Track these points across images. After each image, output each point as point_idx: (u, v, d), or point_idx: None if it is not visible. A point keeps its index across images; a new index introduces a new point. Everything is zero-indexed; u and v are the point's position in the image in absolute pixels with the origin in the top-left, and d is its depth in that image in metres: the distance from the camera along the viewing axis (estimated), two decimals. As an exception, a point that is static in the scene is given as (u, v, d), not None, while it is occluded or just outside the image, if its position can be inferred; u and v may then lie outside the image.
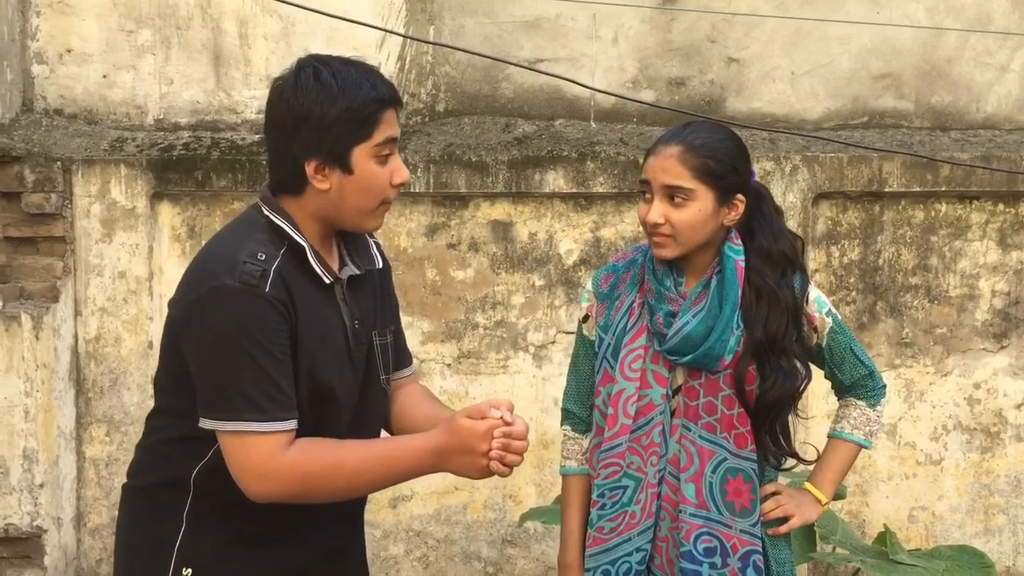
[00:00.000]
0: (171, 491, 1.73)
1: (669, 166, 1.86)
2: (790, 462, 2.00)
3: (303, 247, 1.70)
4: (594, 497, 1.94)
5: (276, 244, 1.69)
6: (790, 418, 1.97)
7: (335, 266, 1.78)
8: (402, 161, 1.76)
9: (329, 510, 1.78)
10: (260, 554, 1.73)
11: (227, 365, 1.62)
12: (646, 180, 1.90)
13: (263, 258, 1.65)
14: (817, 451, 2.10)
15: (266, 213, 1.72)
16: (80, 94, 3.50)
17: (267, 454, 1.62)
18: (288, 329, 1.65)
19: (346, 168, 1.69)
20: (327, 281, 1.73)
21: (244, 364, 1.61)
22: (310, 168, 1.69)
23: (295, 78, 1.69)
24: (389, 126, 1.71)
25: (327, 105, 1.66)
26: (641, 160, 2.00)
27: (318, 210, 1.72)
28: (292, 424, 1.65)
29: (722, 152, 1.89)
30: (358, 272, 1.80)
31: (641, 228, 1.96)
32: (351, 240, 1.83)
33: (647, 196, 1.90)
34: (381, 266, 1.87)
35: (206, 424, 1.65)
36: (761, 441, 1.92)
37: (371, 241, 1.88)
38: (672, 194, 1.86)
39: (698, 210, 1.86)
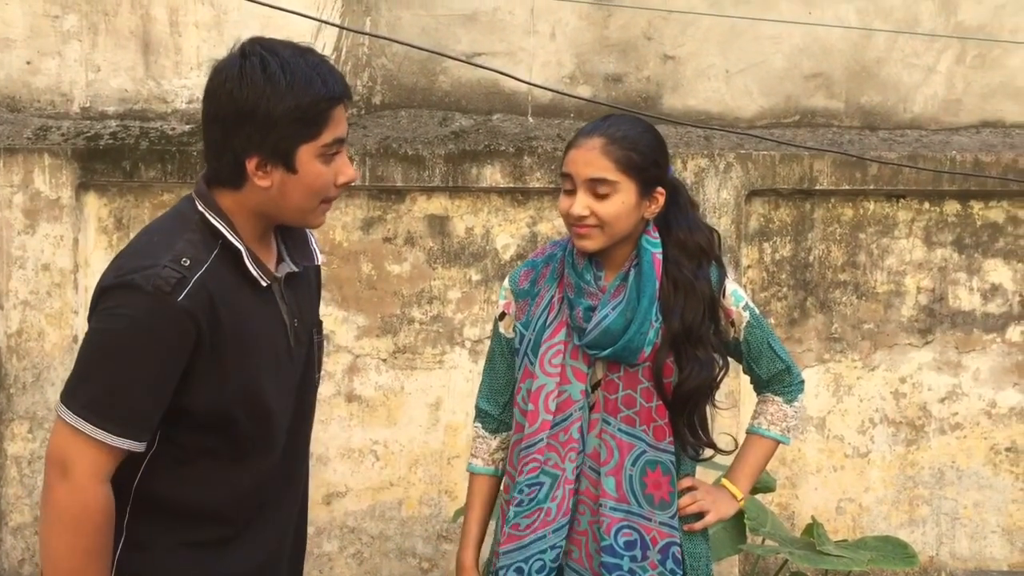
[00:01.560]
0: None
1: (592, 158, 1.86)
2: (708, 452, 2.02)
3: (239, 249, 1.62)
4: (513, 494, 1.93)
5: (208, 246, 1.61)
6: (708, 409, 1.98)
7: (272, 263, 1.71)
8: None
9: (280, 513, 1.75)
10: (207, 560, 1.67)
11: (98, 359, 1.56)
12: (568, 174, 1.89)
13: (187, 264, 1.57)
14: (736, 441, 2.12)
15: (200, 209, 1.63)
16: (2, 80, 3.39)
17: (85, 463, 1.54)
18: (189, 345, 1.57)
19: (289, 167, 1.60)
20: (264, 284, 1.66)
21: (113, 365, 1.55)
22: (251, 164, 1.60)
23: (240, 67, 1.58)
24: (338, 125, 1.62)
25: (274, 101, 1.56)
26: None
27: (257, 206, 1.64)
28: (124, 444, 1.56)
29: (643, 144, 1.89)
30: (296, 270, 1.74)
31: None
32: (289, 233, 1.76)
33: (569, 189, 1.89)
34: (320, 263, 1.82)
35: (59, 404, 1.59)
36: (679, 432, 1.93)
37: (309, 234, 1.82)
38: (596, 187, 1.86)
39: (622, 202, 1.86)
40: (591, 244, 1.89)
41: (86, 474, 1.55)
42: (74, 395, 1.57)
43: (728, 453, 2.06)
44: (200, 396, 1.61)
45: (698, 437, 1.95)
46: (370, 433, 3.46)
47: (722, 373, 1.96)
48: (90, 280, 3.33)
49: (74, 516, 1.55)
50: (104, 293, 1.59)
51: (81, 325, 3.31)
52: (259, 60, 1.58)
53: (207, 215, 1.63)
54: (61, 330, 3.30)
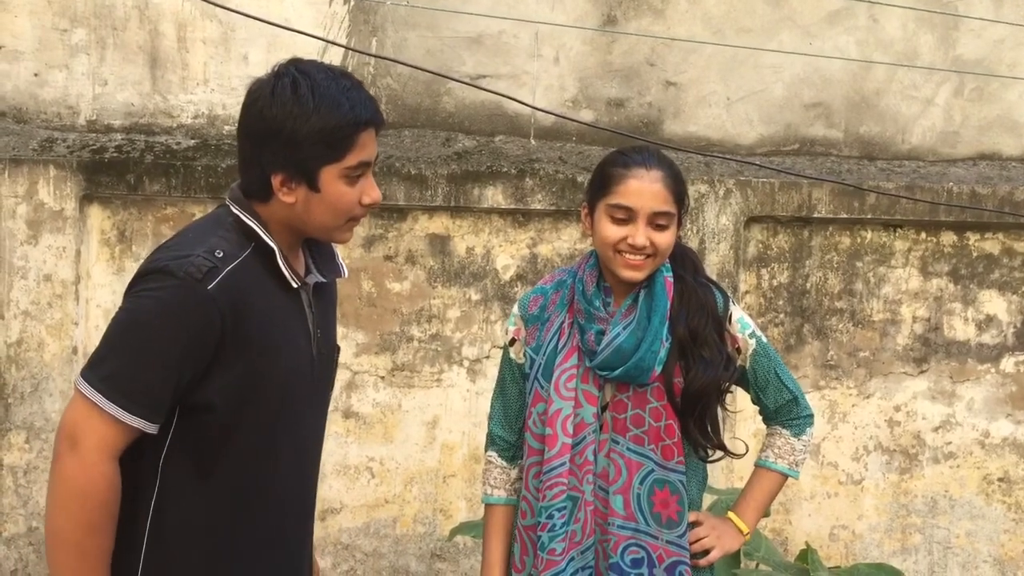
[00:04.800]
0: (123, 550, 1.63)
1: (658, 192, 1.92)
2: (719, 453, 2.04)
3: (272, 249, 1.67)
4: (542, 520, 1.94)
5: (242, 244, 1.65)
6: (720, 413, 2.00)
7: (301, 272, 1.75)
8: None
9: (293, 533, 1.75)
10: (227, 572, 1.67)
11: (122, 336, 1.60)
12: (627, 206, 1.91)
13: (220, 255, 1.61)
14: (746, 445, 2.15)
15: (235, 212, 1.68)
16: (9, 92, 3.41)
17: (95, 437, 1.56)
18: (214, 336, 1.59)
19: (312, 186, 1.65)
20: (294, 285, 1.70)
21: (135, 344, 1.58)
22: (276, 181, 1.65)
23: (272, 87, 1.64)
24: (364, 148, 1.66)
25: (299, 122, 1.61)
26: (588, 179, 2.04)
27: (284, 219, 1.69)
28: (136, 422, 1.57)
29: (682, 178, 1.99)
30: (324, 280, 1.78)
31: (599, 246, 1.96)
32: (316, 247, 1.81)
33: (621, 220, 1.91)
34: (347, 276, 1.86)
35: (78, 378, 1.62)
36: (689, 433, 1.95)
37: (335, 249, 1.85)
38: (658, 219, 1.92)
39: (673, 233, 1.95)
40: (641, 274, 1.93)
41: (95, 448, 1.57)
42: (94, 369, 1.60)
43: (739, 456, 2.07)
44: (221, 391, 1.62)
45: (708, 438, 1.97)
46: (366, 450, 3.47)
47: (729, 376, 1.98)
48: (91, 292, 3.34)
49: (80, 489, 1.57)
50: (137, 279, 1.63)
51: (81, 337, 3.32)
52: (291, 81, 1.63)
53: (242, 216, 1.68)
54: (61, 341, 3.30)
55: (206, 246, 1.62)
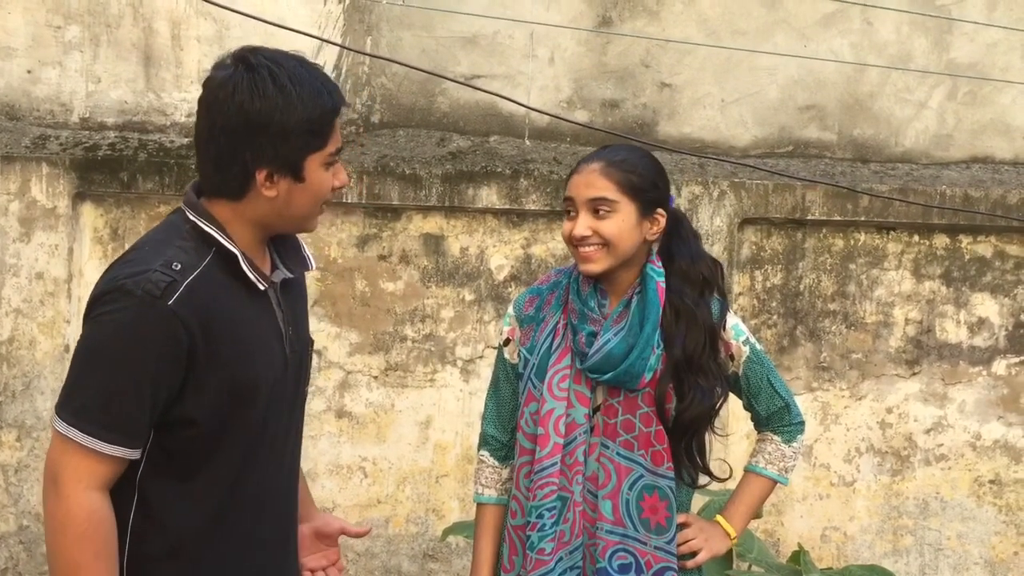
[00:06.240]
0: None
1: (593, 180, 1.91)
2: (704, 479, 2.03)
3: (234, 254, 1.61)
4: (532, 519, 1.93)
5: (200, 252, 1.60)
6: (707, 436, 2.00)
7: (267, 270, 1.70)
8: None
9: (275, 533, 1.74)
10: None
11: (87, 365, 1.56)
12: (570, 198, 1.93)
13: (178, 268, 1.56)
14: (731, 468, 2.14)
15: (191, 218, 1.62)
16: (2, 88, 3.40)
17: (69, 470, 1.53)
18: (182, 352, 1.55)
19: (297, 176, 1.62)
20: (262, 288, 1.65)
21: (102, 371, 1.54)
22: (260, 176, 1.60)
23: (250, 79, 1.58)
24: (338, 133, 1.66)
25: (287, 114, 1.57)
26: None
27: (256, 216, 1.64)
28: (116, 451, 1.54)
29: (641, 168, 1.94)
30: (291, 276, 1.74)
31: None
32: (281, 242, 1.76)
33: (571, 214, 1.93)
34: (313, 268, 1.81)
35: (53, 415, 1.60)
36: (677, 458, 1.95)
37: (300, 241, 1.81)
38: (596, 207, 1.90)
39: (622, 220, 1.90)
40: (596, 266, 1.91)
41: (71, 481, 1.53)
42: (66, 405, 1.56)
43: (723, 480, 2.07)
44: (199, 405, 1.59)
45: (695, 464, 1.97)
46: (359, 450, 3.46)
47: (721, 401, 1.98)
48: (84, 290, 3.33)
49: (59, 524, 1.54)
50: (95, 300, 1.58)
51: (73, 335, 3.31)
52: (268, 72, 1.59)
53: (198, 223, 1.62)
54: (53, 339, 3.29)
55: (163, 259, 1.56)
